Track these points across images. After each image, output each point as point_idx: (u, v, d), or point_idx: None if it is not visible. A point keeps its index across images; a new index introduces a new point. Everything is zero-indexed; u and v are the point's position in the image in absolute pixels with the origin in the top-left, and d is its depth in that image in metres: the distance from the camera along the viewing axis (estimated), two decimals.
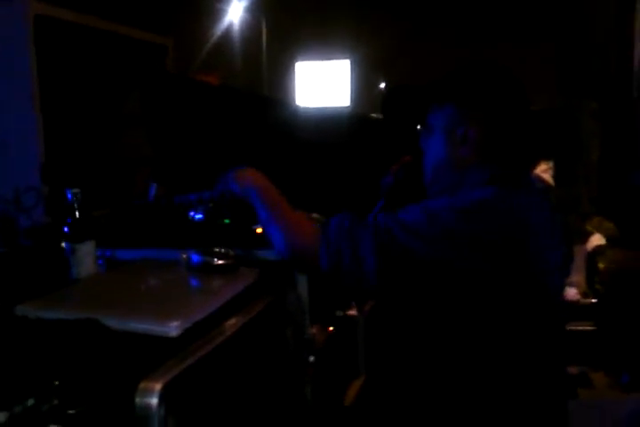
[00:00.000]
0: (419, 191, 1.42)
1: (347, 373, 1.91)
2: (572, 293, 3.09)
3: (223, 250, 1.57)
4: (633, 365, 2.75)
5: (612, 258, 3.16)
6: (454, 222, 1.16)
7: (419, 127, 1.42)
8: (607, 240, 3.36)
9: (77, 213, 1.50)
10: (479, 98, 1.32)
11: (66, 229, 1.50)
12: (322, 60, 10.75)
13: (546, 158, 3.35)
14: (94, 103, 2.40)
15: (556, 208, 1.33)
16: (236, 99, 2.85)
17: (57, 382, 0.92)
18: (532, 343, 1.24)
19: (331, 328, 1.77)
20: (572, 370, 2.76)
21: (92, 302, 1.32)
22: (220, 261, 1.53)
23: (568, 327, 1.38)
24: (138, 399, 0.96)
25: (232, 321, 1.28)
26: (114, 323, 1.16)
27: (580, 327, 2.87)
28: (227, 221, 1.74)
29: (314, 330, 1.65)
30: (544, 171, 3.31)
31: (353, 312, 1.94)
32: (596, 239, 3.36)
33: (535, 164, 3.14)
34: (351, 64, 10.82)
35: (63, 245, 1.51)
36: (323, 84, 10.74)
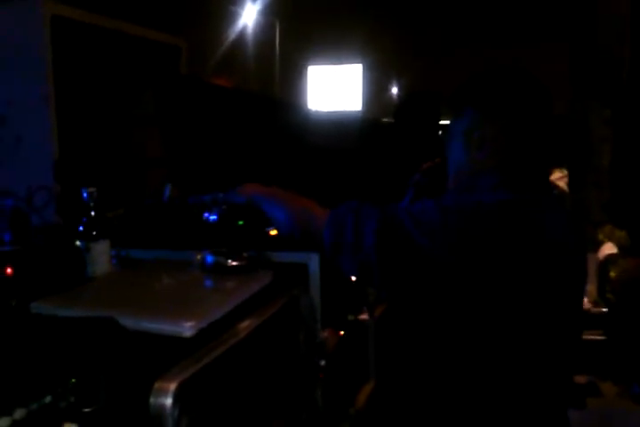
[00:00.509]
0: (442, 194, 1.41)
1: (357, 377, 1.90)
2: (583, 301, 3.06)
3: (237, 251, 1.57)
4: None
5: (624, 267, 3.14)
6: (447, 221, 1.15)
7: (440, 133, 1.42)
8: (619, 249, 3.34)
9: (92, 212, 1.51)
10: (496, 101, 1.31)
11: (80, 227, 1.50)
12: (334, 64, 10.78)
13: (558, 166, 3.33)
14: (108, 103, 2.42)
15: (573, 215, 1.32)
16: (248, 101, 2.86)
17: (73, 380, 0.92)
18: (543, 351, 1.23)
19: (342, 332, 1.77)
20: (581, 379, 2.74)
21: (107, 301, 1.32)
22: (234, 263, 1.53)
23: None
24: (152, 399, 0.96)
25: (246, 323, 1.28)
26: (129, 322, 1.16)
27: (591, 336, 2.85)
28: (241, 222, 1.74)
29: (325, 334, 1.65)
30: (559, 178, 3.30)
31: (364, 317, 1.94)
32: (608, 248, 3.34)
33: (551, 170, 3.13)
34: (363, 69, 10.84)
35: (78, 243, 1.51)
36: (335, 88, 10.76)
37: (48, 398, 0.89)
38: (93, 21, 2.29)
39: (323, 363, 1.60)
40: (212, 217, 1.70)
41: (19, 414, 0.84)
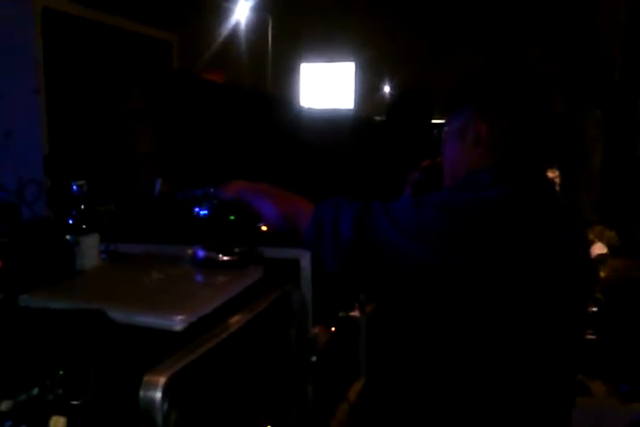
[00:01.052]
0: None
1: (348, 374, 1.90)
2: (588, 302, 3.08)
3: (228, 246, 1.56)
4: (632, 374, 2.74)
5: (614, 267, 3.15)
6: (434, 219, 1.13)
7: (435, 130, 1.41)
8: (609, 249, 3.35)
9: (82, 206, 1.49)
10: (490, 97, 1.29)
11: (70, 220, 1.49)
12: (327, 62, 10.79)
13: (550, 166, 3.33)
14: (99, 97, 2.40)
15: (573, 212, 1.31)
16: (240, 97, 2.85)
17: (62, 373, 0.91)
18: (538, 351, 1.20)
19: (333, 329, 1.76)
20: None
21: (96, 294, 1.30)
22: (226, 258, 1.52)
23: None
24: (142, 392, 0.95)
25: (237, 317, 1.27)
26: (118, 315, 1.15)
27: None
28: (232, 217, 1.73)
29: (316, 330, 1.64)
30: (550, 179, 3.30)
31: (355, 313, 1.93)
32: (598, 248, 3.35)
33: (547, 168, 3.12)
34: (356, 67, 10.85)
35: (67, 237, 1.50)
36: (327, 85, 10.77)
37: (35, 391, 0.87)
38: (85, 15, 2.28)
39: (314, 359, 1.59)
40: (203, 212, 1.69)
41: (5, 405, 0.83)
